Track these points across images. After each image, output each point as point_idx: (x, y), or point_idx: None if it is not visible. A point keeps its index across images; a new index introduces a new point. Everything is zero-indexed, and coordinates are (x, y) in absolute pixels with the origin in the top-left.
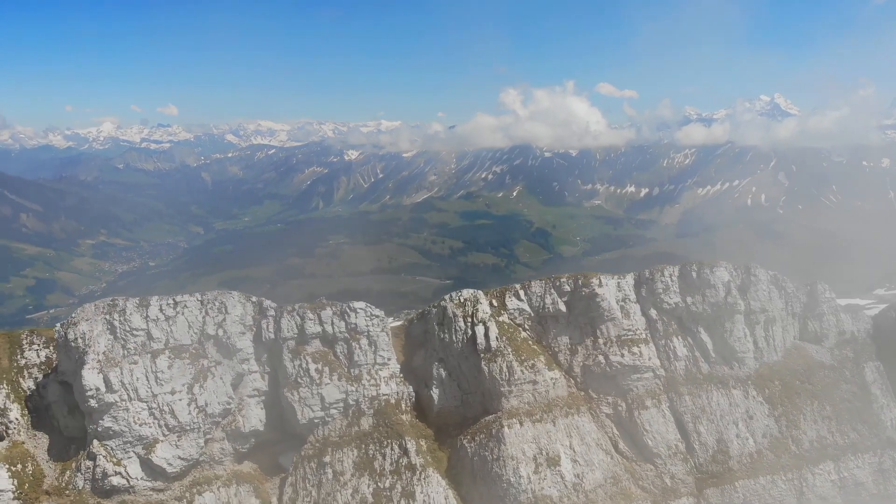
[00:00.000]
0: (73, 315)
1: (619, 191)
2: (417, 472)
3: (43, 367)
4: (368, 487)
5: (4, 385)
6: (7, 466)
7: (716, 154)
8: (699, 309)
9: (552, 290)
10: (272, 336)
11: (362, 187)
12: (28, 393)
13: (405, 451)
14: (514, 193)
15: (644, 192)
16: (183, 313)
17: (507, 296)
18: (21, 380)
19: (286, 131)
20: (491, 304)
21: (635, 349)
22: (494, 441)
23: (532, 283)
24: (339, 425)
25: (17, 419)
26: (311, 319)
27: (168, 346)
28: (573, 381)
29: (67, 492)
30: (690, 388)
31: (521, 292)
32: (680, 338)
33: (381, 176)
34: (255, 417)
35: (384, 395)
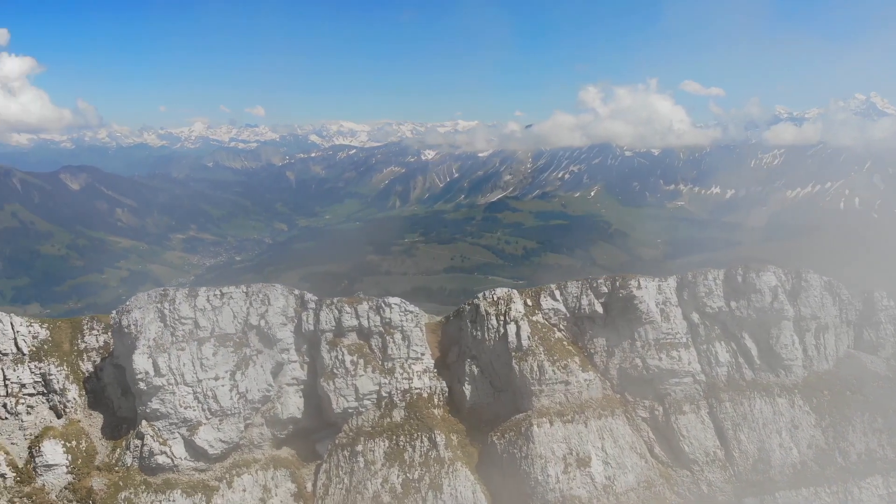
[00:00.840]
0: (128, 303)
1: (703, 192)
2: (446, 466)
3: (101, 351)
4: (398, 478)
5: (65, 367)
6: (63, 442)
7: (806, 155)
8: (744, 314)
9: (589, 291)
10: (311, 328)
11: (438, 186)
12: (86, 375)
13: (434, 444)
14: (592, 193)
15: (730, 193)
16: (228, 304)
17: (542, 296)
18: (80, 362)
19: (366, 132)
20: (525, 304)
21: (674, 353)
22: (523, 439)
23: (568, 283)
24: (371, 416)
25: (74, 399)
26: (348, 313)
27: (213, 334)
28: (609, 384)
29: (117, 468)
30: (732, 395)
31: (557, 292)
32: (723, 343)
33: (456, 175)
34: (293, 405)
35: (416, 388)
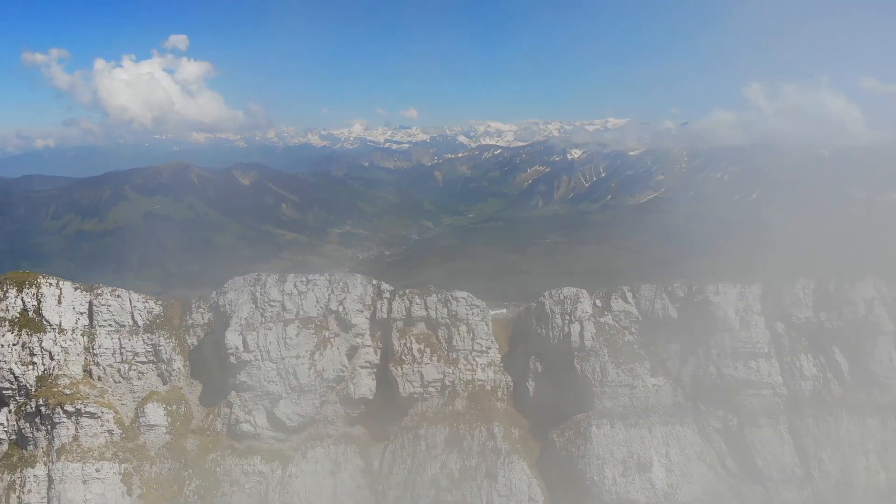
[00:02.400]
0: (225, 285)
1: (881, 197)
2: (502, 457)
3: (205, 328)
4: (456, 464)
5: (173, 340)
6: (164, 406)
7: None
8: (834, 326)
9: (663, 295)
10: (385, 316)
11: (583, 186)
12: (191, 348)
13: (492, 435)
14: (753, 196)
15: None
16: (313, 290)
17: (612, 297)
18: (187, 336)
19: (513, 131)
20: (594, 305)
21: (752, 363)
22: (581, 439)
23: (642, 285)
24: (435, 403)
25: (178, 368)
26: (417, 304)
27: (298, 316)
28: (681, 391)
29: (208, 432)
30: (816, 411)
31: (629, 294)
32: (809, 356)
33: (603, 175)
34: (364, 386)
35: (479, 380)
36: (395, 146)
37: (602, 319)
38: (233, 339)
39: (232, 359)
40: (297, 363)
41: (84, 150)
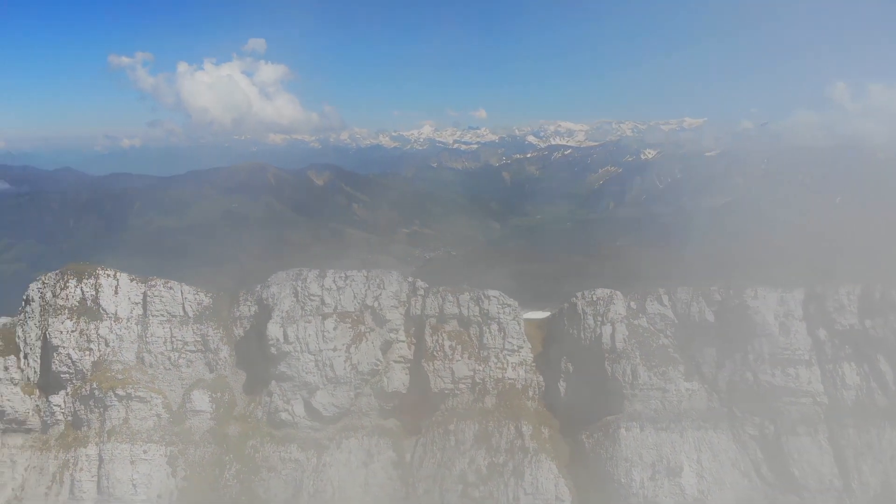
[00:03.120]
0: (269, 279)
1: None
2: (529, 455)
3: (251, 319)
4: (484, 460)
5: (220, 330)
6: (210, 393)
7: None
8: (880, 334)
9: (700, 298)
10: (419, 312)
11: (656, 188)
12: (238, 338)
13: (520, 434)
14: (837, 200)
15: None
16: (350, 285)
17: (648, 299)
18: (234, 327)
19: (584, 131)
20: (629, 307)
21: (791, 370)
22: (610, 440)
23: (678, 288)
24: (465, 399)
25: (225, 357)
26: (450, 301)
27: (336, 311)
28: (716, 396)
29: (249, 420)
30: (858, 421)
31: (665, 297)
32: (853, 364)
33: (678, 176)
34: (397, 380)
35: (510, 378)
36: (463, 147)
37: (636, 322)
38: (274, 330)
39: (273, 350)
40: (334, 356)
41: (167, 150)
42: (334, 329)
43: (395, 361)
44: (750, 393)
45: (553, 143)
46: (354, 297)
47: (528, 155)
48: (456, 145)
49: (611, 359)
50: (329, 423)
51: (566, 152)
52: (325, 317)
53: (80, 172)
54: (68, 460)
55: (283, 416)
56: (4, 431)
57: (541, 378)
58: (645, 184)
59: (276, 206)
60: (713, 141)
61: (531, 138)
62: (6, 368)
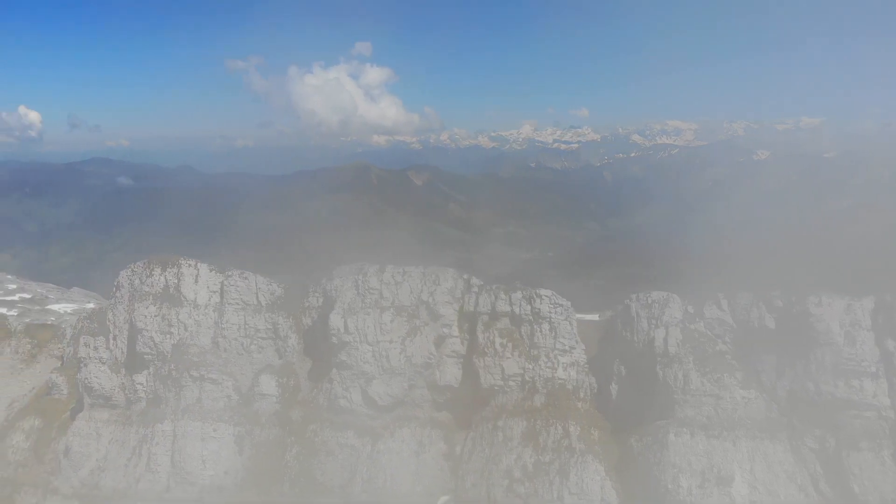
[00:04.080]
0: (333, 272)
1: None
2: (576, 455)
3: (319, 310)
4: (530, 458)
5: (290, 319)
6: (277, 378)
7: None
8: None
9: (760, 304)
10: (472, 309)
11: (770, 190)
12: (306, 327)
13: (567, 434)
14: None
15: None
16: (407, 281)
17: (706, 304)
18: (302, 317)
19: (693, 130)
20: (686, 311)
21: (855, 382)
22: (658, 446)
23: (738, 293)
24: (514, 397)
25: (293, 345)
26: (502, 299)
27: (393, 304)
28: (775, 406)
29: (312, 405)
30: None
31: (724, 302)
32: None
33: (793, 178)
34: (450, 374)
35: (560, 378)
36: (563, 146)
37: (692, 326)
38: (335, 321)
39: (334, 339)
40: (390, 347)
41: (278, 151)
42: (391, 322)
43: (448, 356)
44: (811, 404)
45: (659, 142)
46: (411, 291)
47: (632, 155)
48: (556, 145)
49: (662, 363)
50: (384, 411)
51: (673, 152)
52: (383, 310)
53: (197, 170)
54: (147, 435)
55: (342, 402)
56: (92, 406)
57: (593, 379)
58: (756, 185)
59: (377, 205)
60: (831, 142)
61: (636, 137)
62: (96, 348)
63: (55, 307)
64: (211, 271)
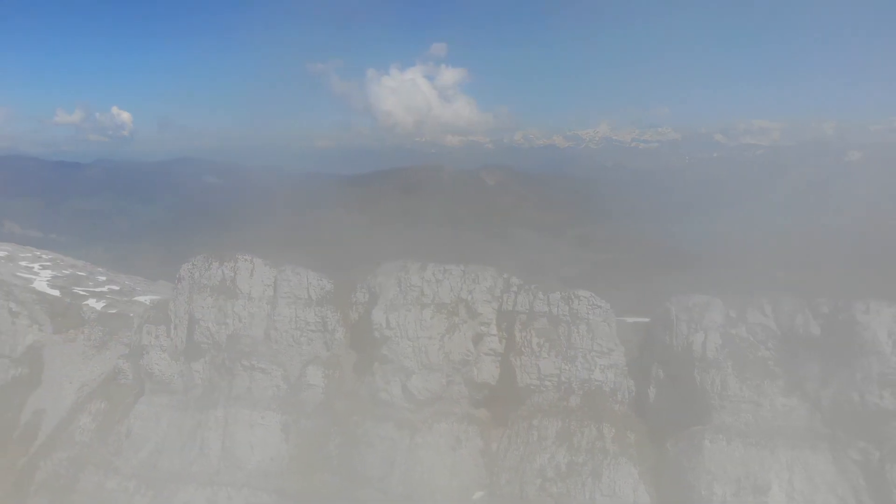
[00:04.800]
0: (378, 269)
1: None
2: (609, 458)
3: (365, 305)
4: (564, 458)
5: (338, 313)
6: (323, 369)
7: None
8: None
9: (806, 310)
10: (510, 308)
11: (865, 193)
12: (353, 322)
13: (601, 436)
14: None
15: None
16: (448, 278)
17: (748, 308)
18: (350, 312)
19: (779, 129)
20: (727, 315)
21: None
22: (694, 451)
23: (782, 298)
24: (550, 397)
25: (340, 338)
26: (540, 299)
27: (433, 302)
28: (819, 416)
29: (354, 397)
30: None
31: (768, 307)
32: None
33: (888, 181)
34: (487, 372)
35: (597, 380)
36: (641, 146)
37: (733, 331)
38: (378, 316)
39: (377, 334)
40: (429, 343)
41: (355, 151)
42: (431, 318)
43: (486, 354)
44: (855, 414)
45: (744, 141)
46: (451, 289)
47: (714, 155)
48: (634, 144)
49: (700, 367)
50: (423, 406)
51: (758, 152)
52: (423, 306)
53: (278, 170)
54: (201, 420)
55: (383, 395)
56: (153, 391)
57: (631, 383)
58: (849, 188)
59: (449, 205)
60: None
61: (718, 136)
62: (157, 336)
63: (141, 298)
64: (265, 266)
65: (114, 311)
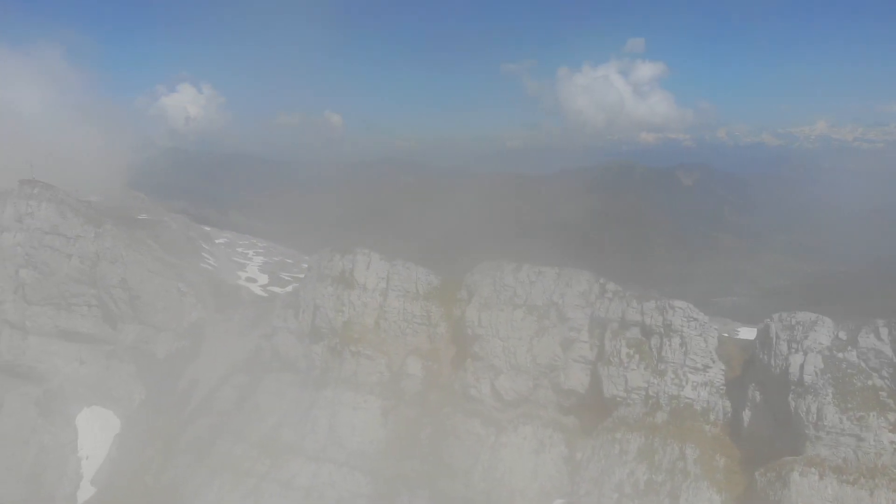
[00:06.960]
0: (475, 268)
1: None
2: (689, 480)
3: (465, 302)
4: (643, 475)
5: (442, 308)
6: (423, 361)
7: None
8: None
9: None
10: (603, 315)
11: None
12: (455, 317)
13: (683, 456)
14: None
15: None
16: (541, 281)
17: (862, 331)
18: (453, 307)
19: None
20: (836, 337)
21: None
22: (780, 483)
23: None
24: (636, 410)
25: (442, 332)
26: (633, 308)
27: (525, 303)
28: None
29: (448, 390)
30: None
31: (884, 331)
32: None
33: None
34: (575, 379)
35: (687, 398)
36: (865, 145)
37: (841, 355)
38: (471, 314)
39: (469, 331)
40: (518, 344)
41: (544, 150)
42: (521, 320)
43: (575, 360)
44: None
45: None
46: (543, 292)
47: None
48: (857, 143)
49: (796, 392)
50: (509, 406)
51: None
52: (515, 307)
53: (469, 170)
54: (315, 399)
55: (472, 392)
56: (280, 369)
57: (727, 403)
58: None
59: (639, 205)
60: None
61: None
62: (286, 319)
63: None
64: (381, 260)
65: (265, 295)
